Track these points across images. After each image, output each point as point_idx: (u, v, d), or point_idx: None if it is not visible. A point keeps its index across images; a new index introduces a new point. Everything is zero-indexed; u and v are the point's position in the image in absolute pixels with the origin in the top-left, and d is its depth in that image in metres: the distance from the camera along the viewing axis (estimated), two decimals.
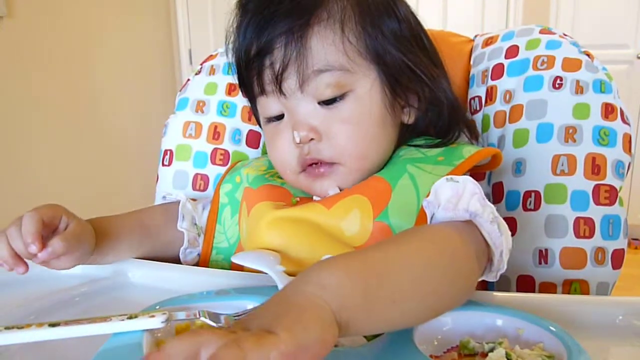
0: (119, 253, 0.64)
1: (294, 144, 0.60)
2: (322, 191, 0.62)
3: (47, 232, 0.53)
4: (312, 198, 0.64)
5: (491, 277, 0.53)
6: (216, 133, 0.81)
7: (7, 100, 2.03)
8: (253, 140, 0.82)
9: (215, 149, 0.81)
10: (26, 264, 0.53)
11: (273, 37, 0.58)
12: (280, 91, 0.59)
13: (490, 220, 0.51)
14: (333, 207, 0.58)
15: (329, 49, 0.58)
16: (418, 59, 0.63)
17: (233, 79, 0.82)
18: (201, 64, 0.89)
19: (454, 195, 0.53)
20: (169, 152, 0.83)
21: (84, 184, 2.34)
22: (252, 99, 0.66)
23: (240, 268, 0.60)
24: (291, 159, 0.62)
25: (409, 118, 0.66)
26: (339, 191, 0.61)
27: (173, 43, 3.03)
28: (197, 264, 0.71)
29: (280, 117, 0.62)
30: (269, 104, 0.62)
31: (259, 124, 0.72)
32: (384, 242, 0.46)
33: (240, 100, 0.83)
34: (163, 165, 0.83)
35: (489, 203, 0.53)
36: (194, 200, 0.75)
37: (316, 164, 0.61)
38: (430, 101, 0.65)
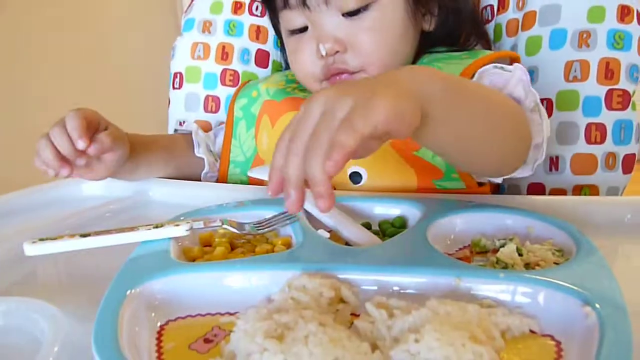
0: (150, 167, 0.66)
1: (317, 55, 0.61)
2: None
3: (89, 132, 0.54)
4: None
5: (527, 170, 0.54)
6: (224, 53, 0.81)
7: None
8: (262, 59, 0.82)
9: (224, 70, 0.81)
10: (70, 165, 0.53)
11: None
12: (304, 4, 0.60)
13: (531, 108, 0.52)
14: None
15: None
16: None
17: None
18: None
19: (500, 80, 0.54)
20: (178, 75, 0.83)
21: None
22: (274, 12, 0.66)
23: (259, 182, 0.62)
24: (315, 69, 0.63)
25: (430, 26, 0.66)
26: None
27: None
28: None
29: (303, 29, 0.63)
30: (293, 17, 0.62)
31: (279, 37, 0.73)
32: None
33: (247, 19, 0.81)
34: (174, 88, 0.83)
35: (532, 90, 0.53)
36: (205, 131, 0.76)
37: (340, 73, 0.62)
38: (450, 10, 0.65)
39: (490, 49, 0.71)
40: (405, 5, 0.62)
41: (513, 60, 0.62)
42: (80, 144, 0.51)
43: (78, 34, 2.32)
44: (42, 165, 0.53)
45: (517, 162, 0.52)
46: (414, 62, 0.66)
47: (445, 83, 0.40)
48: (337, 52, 0.61)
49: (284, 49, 0.76)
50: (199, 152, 0.72)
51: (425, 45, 0.67)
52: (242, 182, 0.68)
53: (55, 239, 0.43)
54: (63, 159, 0.53)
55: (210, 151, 0.74)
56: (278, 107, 0.68)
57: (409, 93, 0.35)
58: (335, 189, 0.56)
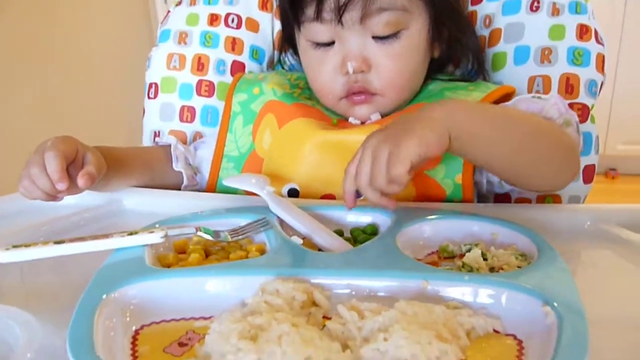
0: (129, 181, 0.66)
1: (340, 71, 0.64)
2: (363, 116, 0.67)
3: (68, 166, 0.55)
4: (347, 120, 0.68)
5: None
6: (200, 64, 0.82)
7: None
8: (237, 70, 0.82)
9: (200, 80, 0.82)
10: (56, 198, 0.56)
11: None
12: (339, 21, 0.61)
13: (559, 124, 0.58)
14: None
15: None
16: (457, 1, 0.69)
17: (214, 9, 0.82)
18: None
19: (536, 107, 0.59)
20: (154, 85, 0.83)
21: (69, 124, 2.31)
22: (297, 21, 0.66)
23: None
24: (335, 84, 0.65)
25: (437, 52, 0.70)
26: (380, 117, 0.66)
27: None
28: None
29: (328, 44, 0.65)
30: (321, 30, 0.64)
31: (291, 47, 0.76)
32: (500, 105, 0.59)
33: (223, 31, 0.83)
34: (149, 98, 0.83)
35: (570, 111, 0.59)
36: (182, 141, 0.77)
37: (360, 93, 0.65)
38: (457, 39, 0.69)
39: (484, 76, 0.74)
40: (427, 36, 0.65)
41: (509, 94, 0.66)
42: (61, 186, 0.53)
43: (53, 42, 2.30)
44: (28, 197, 0.56)
45: (565, 173, 0.56)
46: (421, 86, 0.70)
47: (467, 111, 0.50)
48: (362, 71, 0.63)
49: (285, 49, 0.79)
50: (177, 166, 0.72)
51: (430, 71, 0.70)
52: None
53: (28, 246, 0.43)
54: (48, 195, 0.55)
55: (189, 164, 0.74)
56: (288, 110, 0.69)
57: (435, 124, 0.46)
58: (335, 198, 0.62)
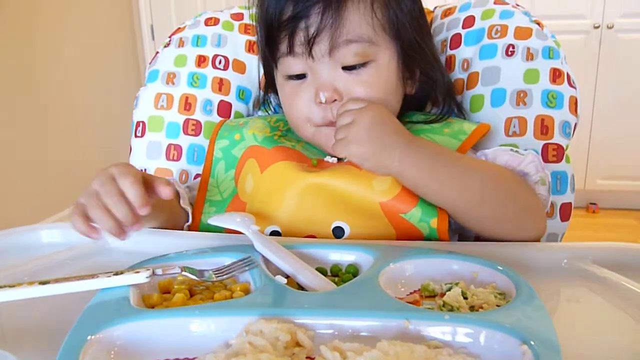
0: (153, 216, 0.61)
1: (314, 101, 0.66)
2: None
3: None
4: (324, 158, 0.69)
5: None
6: (187, 104, 0.83)
7: None
8: (224, 110, 0.84)
9: (187, 120, 0.83)
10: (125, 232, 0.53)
11: (312, 2, 0.63)
12: (310, 54, 0.64)
13: (535, 181, 0.62)
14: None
15: (361, 21, 0.64)
16: (426, 38, 0.71)
17: (202, 51, 0.84)
18: (170, 37, 0.90)
19: (515, 161, 0.63)
20: (141, 124, 0.84)
21: (53, 162, 2.31)
22: (273, 56, 0.69)
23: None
24: (312, 114, 0.67)
25: (411, 89, 0.72)
26: None
27: (134, 19, 2.98)
28: None
29: (301, 76, 0.67)
30: (294, 64, 0.67)
31: (268, 82, 0.78)
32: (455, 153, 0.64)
33: (210, 72, 0.85)
34: (136, 137, 0.85)
35: (546, 171, 0.63)
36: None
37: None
38: (429, 77, 0.72)
39: (464, 115, 0.77)
40: (396, 69, 0.68)
41: (483, 129, 0.70)
42: (144, 211, 0.51)
43: (40, 78, 2.31)
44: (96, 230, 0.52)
45: (525, 230, 0.61)
46: None
47: (420, 167, 0.58)
48: (335, 100, 0.65)
49: (269, 91, 0.81)
50: (184, 204, 0.71)
51: (407, 109, 0.73)
52: None
53: (13, 286, 0.43)
54: (120, 228, 0.52)
55: (190, 204, 0.73)
56: (269, 154, 0.70)
57: (390, 160, 0.57)
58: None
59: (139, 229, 0.54)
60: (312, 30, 0.63)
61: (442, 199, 0.60)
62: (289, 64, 0.67)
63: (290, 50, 0.65)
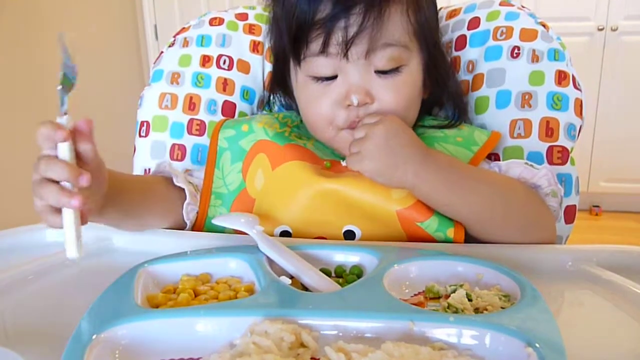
0: (119, 202, 0.59)
1: (342, 104, 0.65)
2: None
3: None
4: (340, 161, 0.69)
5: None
6: (192, 104, 0.83)
7: None
8: (228, 110, 0.84)
9: (191, 120, 0.83)
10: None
11: (354, 3, 0.61)
12: (345, 54, 0.63)
13: (546, 193, 0.63)
14: None
15: (398, 26, 0.64)
16: (443, 47, 0.72)
17: (206, 51, 0.84)
18: (174, 36, 0.90)
19: (529, 174, 0.64)
20: (145, 124, 0.84)
21: None
22: (298, 57, 0.67)
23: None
24: (336, 117, 0.66)
25: (426, 94, 0.73)
26: None
27: (138, 19, 2.99)
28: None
29: (330, 77, 0.66)
30: (325, 64, 0.65)
31: (277, 81, 0.77)
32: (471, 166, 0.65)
33: (214, 72, 0.85)
34: (140, 136, 0.85)
35: (559, 186, 0.64)
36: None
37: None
38: (442, 84, 0.72)
39: (466, 119, 0.77)
40: (422, 74, 0.69)
41: (495, 140, 0.71)
42: (84, 180, 0.45)
43: (44, 77, 2.32)
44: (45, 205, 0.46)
45: (537, 235, 0.61)
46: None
47: (435, 181, 0.59)
48: (366, 103, 0.65)
49: (276, 91, 0.80)
50: (178, 181, 0.68)
51: (419, 112, 0.73)
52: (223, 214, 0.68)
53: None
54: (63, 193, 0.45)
55: (190, 182, 0.71)
56: (281, 151, 0.69)
57: (404, 177, 0.58)
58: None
59: (87, 182, 0.45)
60: (351, 31, 0.62)
61: (454, 211, 0.61)
62: (318, 64, 0.65)
63: (324, 50, 0.64)
